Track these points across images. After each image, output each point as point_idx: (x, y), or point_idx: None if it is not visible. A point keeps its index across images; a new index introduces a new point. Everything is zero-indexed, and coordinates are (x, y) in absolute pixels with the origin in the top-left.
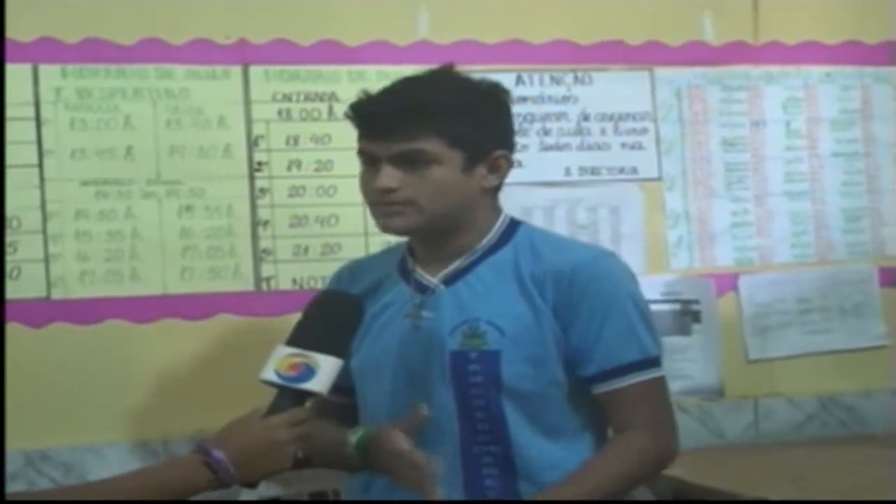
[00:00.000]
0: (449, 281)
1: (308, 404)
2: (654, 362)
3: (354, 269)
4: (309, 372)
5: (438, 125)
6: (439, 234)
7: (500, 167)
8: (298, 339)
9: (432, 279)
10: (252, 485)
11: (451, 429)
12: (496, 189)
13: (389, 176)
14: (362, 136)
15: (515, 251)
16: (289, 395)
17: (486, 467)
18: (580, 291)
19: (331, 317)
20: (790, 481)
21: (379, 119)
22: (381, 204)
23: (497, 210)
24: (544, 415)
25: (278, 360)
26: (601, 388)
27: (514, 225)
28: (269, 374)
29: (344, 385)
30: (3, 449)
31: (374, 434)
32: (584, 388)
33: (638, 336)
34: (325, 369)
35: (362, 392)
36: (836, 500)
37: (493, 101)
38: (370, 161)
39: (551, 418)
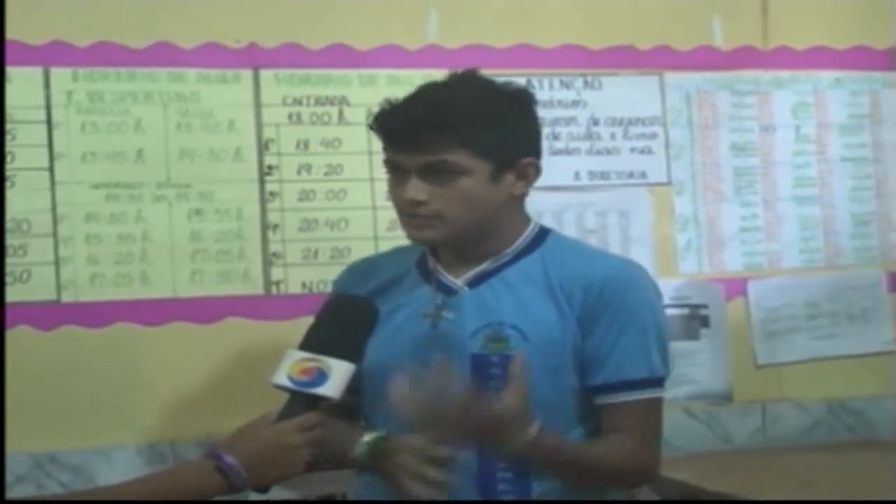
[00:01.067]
0: (473, 283)
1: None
2: (657, 382)
3: (367, 267)
4: (322, 377)
5: (465, 136)
6: (468, 241)
7: (529, 175)
8: (311, 343)
9: (456, 280)
10: (264, 489)
11: None
12: (524, 196)
13: (417, 188)
14: (388, 147)
15: (543, 258)
16: (301, 400)
17: (501, 471)
18: (606, 302)
19: (344, 321)
20: (798, 486)
21: (405, 131)
22: (409, 216)
23: (526, 218)
24: (558, 422)
25: (291, 365)
26: (603, 400)
27: (543, 233)
28: (282, 378)
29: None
30: (3, 451)
31: (391, 441)
32: (590, 396)
33: (650, 355)
34: (338, 374)
35: (373, 391)
36: (836, 500)
37: (519, 107)
38: (398, 172)
39: (565, 425)
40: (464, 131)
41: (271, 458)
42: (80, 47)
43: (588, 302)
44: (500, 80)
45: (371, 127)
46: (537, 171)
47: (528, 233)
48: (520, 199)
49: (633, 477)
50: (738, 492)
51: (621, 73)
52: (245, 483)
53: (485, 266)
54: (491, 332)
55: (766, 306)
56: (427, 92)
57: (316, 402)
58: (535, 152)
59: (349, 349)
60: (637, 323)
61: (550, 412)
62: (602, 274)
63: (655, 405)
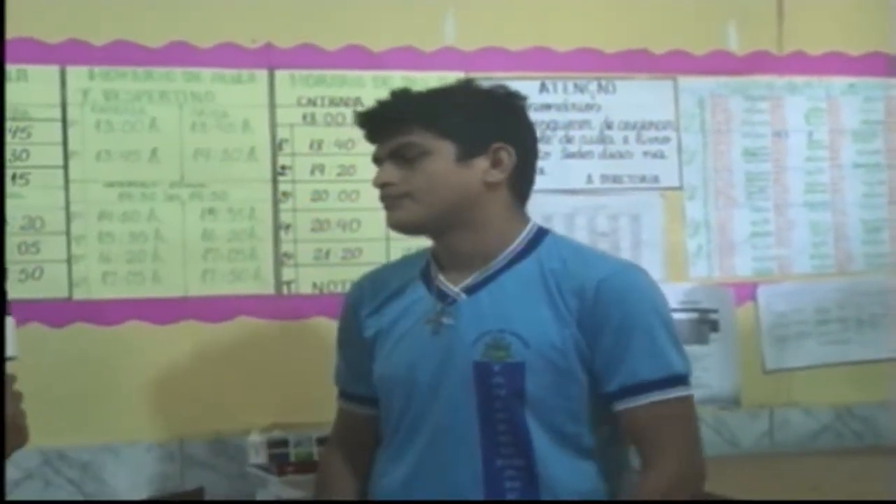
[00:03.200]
0: (470, 290)
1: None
2: (678, 380)
3: (376, 280)
4: None
5: (426, 118)
6: (449, 232)
7: (502, 160)
8: None
9: (453, 287)
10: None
11: (473, 441)
12: (515, 192)
13: (387, 172)
14: (368, 141)
15: (540, 261)
16: None
17: (509, 480)
18: (605, 307)
19: None
20: (804, 491)
21: (374, 120)
22: (382, 199)
23: (523, 218)
24: (567, 428)
25: None
26: (623, 405)
27: (540, 235)
28: None
29: (369, 395)
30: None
31: None
32: (608, 404)
33: (663, 353)
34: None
35: (388, 400)
36: (836, 499)
37: (492, 97)
38: (377, 161)
39: (574, 432)
40: (425, 113)
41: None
42: (97, 46)
43: (585, 307)
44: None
45: (356, 124)
46: (510, 157)
47: (525, 234)
48: (506, 194)
49: (690, 495)
50: (745, 496)
51: (635, 77)
52: None
53: (481, 272)
54: (491, 339)
55: (776, 311)
56: (405, 89)
57: None
58: (511, 140)
59: None
60: (642, 324)
61: (561, 417)
62: (596, 278)
63: (682, 405)
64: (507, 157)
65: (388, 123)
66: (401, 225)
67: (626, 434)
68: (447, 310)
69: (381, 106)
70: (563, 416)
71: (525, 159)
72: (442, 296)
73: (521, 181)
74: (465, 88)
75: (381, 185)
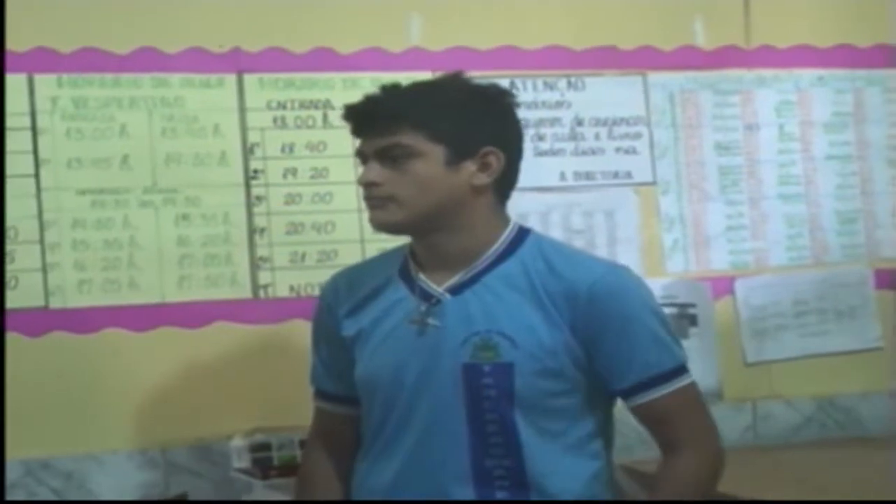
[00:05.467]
0: (455, 290)
1: None
2: (683, 369)
3: (351, 278)
4: None
5: (418, 119)
6: (433, 234)
7: (490, 164)
8: None
9: (437, 287)
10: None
11: (462, 442)
12: (499, 193)
13: (373, 171)
14: (354, 136)
15: (524, 262)
16: None
17: (499, 480)
18: (601, 311)
19: None
20: (789, 484)
21: (364, 116)
22: (367, 199)
23: (505, 218)
24: (556, 426)
25: None
26: (639, 401)
27: (522, 234)
28: None
29: (346, 395)
30: (3, 453)
31: None
32: (597, 399)
33: (667, 345)
34: None
35: (370, 401)
36: (836, 500)
37: (484, 99)
38: (363, 160)
39: (562, 429)
40: (417, 115)
41: None
42: (65, 53)
43: (578, 312)
44: (484, 82)
45: (342, 117)
46: (499, 161)
47: (507, 234)
48: (490, 195)
49: (714, 478)
50: (729, 489)
51: (604, 74)
52: None
53: (465, 272)
54: (479, 340)
55: (754, 304)
56: (396, 84)
57: None
58: (500, 143)
59: None
60: (641, 322)
61: (549, 415)
62: (586, 282)
63: (693, 391)
64: (496, 161)
65: (378, 121)
66: (384, 226)
67: (646, 425)
68: (432, 310)
69: (372, 102)
70: (552, 415)
71: (511, 161)
72: (425, 296)
73: (506, 182)
74: (458, 87)
75: (366, 184)
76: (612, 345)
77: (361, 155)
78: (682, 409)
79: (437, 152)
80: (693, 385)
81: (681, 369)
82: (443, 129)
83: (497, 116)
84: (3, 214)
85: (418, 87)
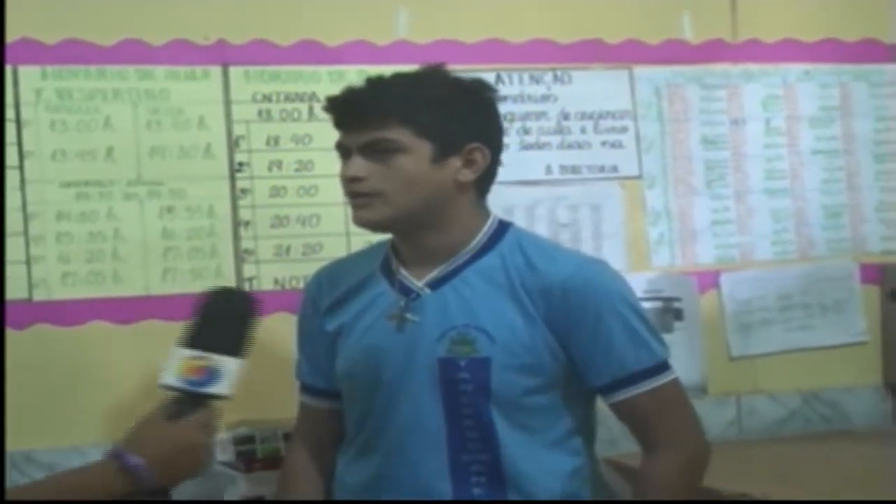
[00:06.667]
0: (434, 285)
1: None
2: (664, 366)
3: (334, 273)
4: (213, 375)
5: (405, 114)
6: (417, 231)
7: (476, 161)
8: (195, 340)
9: (417, 282)
10: (166, 489)
11: (439, 437)
12: (480, 188)
13: (357, 166)
14: (337, 128)
15: (503, 256)
16: (192, 399)
17: (476, 475)
18: (574, 305)
19: (226, 316)
20: (773, 478)
21: (349, 109)
22: (351, 195)
23: (485, 212)
24: (534, 422)
25: (179, 364)
26: (616, 398)
27: (502, 228)
28: (171, 378)
29: (330, 389)
30: (3, 453)
31: None
32: (576, 395)
33: (644, 341)
34: (230, 371)
35: (351, 396)
36: (836, 500)
37: (469, 94)
38: (345, 153)
39: (541, 425)
40: (405, 110)
41: (179, 456)
42: (49, 45)
43: (553, 307)
44: (469, 76)
45: (324, 108)
46: (484, 157)
47: (488, 228)
48: (475, 191)
49: (698, 476)
50: (713, 484)
51: (591, 68)
52: (155, 482)
53: (444, 267)
54: (456, 334)
55: (739, 298)
56: (380, 77)
57: (206, 399)
58: (485, 139)
59: (235, 344)
60: (616, 317)
61: (527, 411)
62: (560, 276)
63: (673, 389)
64: (482, 157)
65: (364, 114)
66: (369, 224)
67: (625, 422)
68: (411, 305)
69: (358, 95)
70: (529, 411)
71: (494, 156)
72: (405, 290)
73: (488, 177)
74: (444, 82)
75: (350, 178)
76: (587, 340)
77: (343, 148)
78: (662, 408)
79: (424, 148)
80: (674, 383)
81: (660, 367)
82: (430, 125)
83: (482, 112)
84: (3, 208)
85: (404, 81)
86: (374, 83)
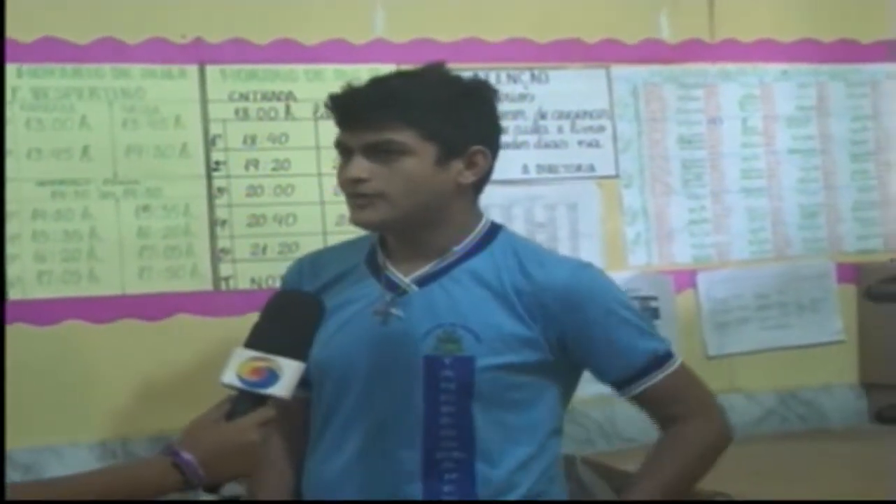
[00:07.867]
0: (422, 282)
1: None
2: (670, 353)
3: (316, 261)
4: (272, 377)
5: (412, 117)
6: (413, 230)
7: (477, 163)
8: (259, 341)
9: (404, 278)
10: (216, 488)
11: (415, 433)
12: (476, 188)
13: (360, 166)
14: (339, 127)
15: (494, 258)
16: (249, 399)
17: (447, 472)
18: (574, 310)
19: (291, 318)
20: (750, 477)
21: (353, 109)
22: (352, 196)
23: (478, 213)
24: (512, 419)
25: (240, 364)
26: (633, 391)
27: (493, 230)
28: (232, 378)
29: (305, 378)
30: (3, 453)
31: None
32: (558, 396)
33: (645, 334)
34: (289, 374)
35: (321, 386)
36: (836, 500)
37: (474, 96)
38: (346, 152)
39: (522, 426)
40: (412, 112)
41: (231, 456)
42: (24, 43)
43: (549, 314)
44: (468, 76)
45: (326, 106)
46: (486, 160)
47: (480, 229)
48: (470, 191)
49: (717, 449)
50: None
51: (568, 67)
52: (203, 480)
53: (434, 264)
54: (443, 332)
55: (716, 298)
56: (385, 76)
57: (264, 399)
58: (487, 142)
59: (297, 347)
60: (617, 318)
61: (509, 411)
62: (557, 282)
63: (684, 372)
64: (484, 160)
65: (368, 116)
66: (369, 225)
67: (646, 409)
68: (398, 301)
69: (363, 95)
70: (509, 409)
71: (494, 158)
72: (391, 286)
73: (485, 178)
74: (448, 83)
75: (352, 179)
76: (591, 344)
77: (343, 147)
78: (684, 386)
79: (428, 151)
80: (684, 366)
81: (666, 356)
82: (436, 128)
83: (485, 115)
84: (3, 209)
85: (409, 82)
86: (380, 83)
